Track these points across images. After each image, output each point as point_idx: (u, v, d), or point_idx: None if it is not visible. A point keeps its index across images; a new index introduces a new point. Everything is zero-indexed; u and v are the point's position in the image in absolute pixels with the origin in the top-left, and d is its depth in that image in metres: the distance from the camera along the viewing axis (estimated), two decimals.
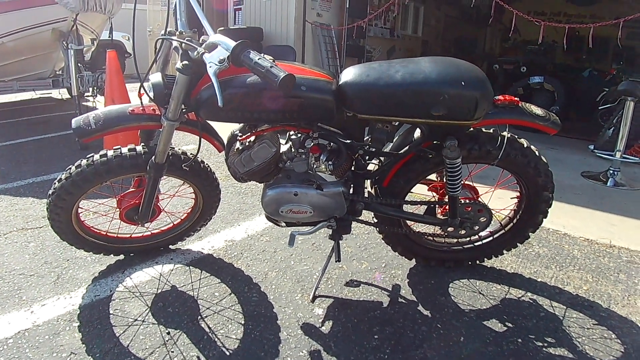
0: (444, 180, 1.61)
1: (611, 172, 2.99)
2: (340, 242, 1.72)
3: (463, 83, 1.28)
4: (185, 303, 1.61)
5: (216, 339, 1.43)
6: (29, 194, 2.56)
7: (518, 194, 1.74)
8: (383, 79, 1.31)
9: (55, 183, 1.53)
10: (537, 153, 1.54)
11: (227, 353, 1.37)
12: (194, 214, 1.92)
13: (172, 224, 1.94)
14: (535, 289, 1.76)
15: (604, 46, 6.30)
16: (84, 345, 1.35)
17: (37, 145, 3.69)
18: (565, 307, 1.64)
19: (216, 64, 1.09)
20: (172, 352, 1.36)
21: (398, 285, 1.78)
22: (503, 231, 1.79)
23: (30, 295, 1.59)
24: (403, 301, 1.68)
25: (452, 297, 1.70)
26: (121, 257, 1.88)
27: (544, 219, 1.72)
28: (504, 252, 1.85)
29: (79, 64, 3.36)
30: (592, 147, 3.67)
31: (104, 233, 1.77)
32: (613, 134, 3.45)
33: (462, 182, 1.52)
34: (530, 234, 1.76)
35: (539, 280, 1.83)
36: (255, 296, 1.68)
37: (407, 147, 1.46)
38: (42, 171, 2.99)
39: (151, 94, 1.34)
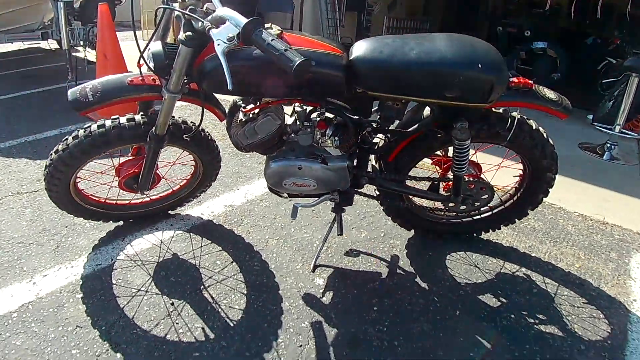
0: (450, 157, 1.59)
1: (608, 145, 2.99)
2: (343, 214, 1.73)
3: (480, 65, 1.23)
4: (187, 272, 1.62)
5: (220, 310, 1.46)
6: (22, 154, 2.47)
7: (521, 172, 1.74)
8: (397, 57, 1.25)
9: (52, 154, 1.47)
10: (544, 135, 1.52)
11: (231, 324, 1.40)
12: (193, 181, 1.89)
13: (171, 190, 1.91)
14: (529, 265, 1.81)
15: (609, 14, 6.10)
16: (88, 317, 1.37)
17: (28, 101, 3.51)
18: (557, 285, 1.69)
19: (225, 42, 0.99)
20: (177, 323, 1.39)
21: (397, 256, 1.81)
22: (503, 207, 1.81)
23: (31, 265, 1.58)
24: (401, 272, 1.72)
25: (449, 270, 1.75)
26: (120, 223, 1.87)
27: (544, 199, 1.74)
28: (502, 227, 1.89)
29: (68, 16, 3.14)
30: (591, 117, 3.65)
31: (103, 200, 1.73)
32: (613, 107, 3.43)
33: (468, 162, 1.51)
34: (529, 211, 1.78)
35: (533, 255, 1.88)
36: (257, 265, 1.70)
37: (416, 126, 1.42)
38: (35, 129, 2.86)
39: (151, 65, 1.26)
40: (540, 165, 1.58)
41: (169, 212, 1.95)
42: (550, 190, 1.70)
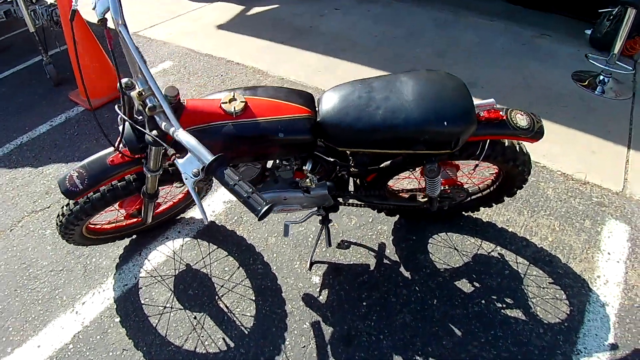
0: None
1: (601, 79, 2.88)
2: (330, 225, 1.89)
3: (446, 123, 1.22)
4: (202, 283, 1.88)
5: (235, 319, 1.75)
6: (23, 162, 2.55)
7: (496, 170, 1.82)
8: (363, 119, 1.25)
9: (59, 216, 1.58)
10: (517, 149, 1.55)
11: (246, 332, 1.70)
12: (188, 197, 2.03)
13: (172, 202, 2.06)
14: (504, 242, 1.99)
15: None
16: (130, 340, 1.67)
17: (6, 85, 3.38)
18: (528, 264, 1.89)
19: (191, 177, 1.01)
20: (202, 336, 1.69)
21: (384, 244, 2.01)
22: (480, 194, 1.93)
23: (69, 293, 1.84)
24: (387, 262, 1.95)
25: (430, 255, 1.96)
26: (134, 236, 2.07)
27: (518, 190, 1.85)
28: (479, 208, 2.03)
29: None
30: (589, 32, 3.40)
31: (114, 226, 1.91)
32: (610, 28, 3.17)
33: (440, 186, 1.59)
34: (505, 198, 1.90)
35: (509, 230, 2.04)
36: (261, 268, 1.94)
37: (388, 163, 1.47)
38: (25, 125, 2.86)
39: (127, 148, 1.29)
40: (514, 171, 1.64)
41: (175, 217, 2.14)
42: (524, 184, 1.80)
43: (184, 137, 1.01)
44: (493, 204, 1.94)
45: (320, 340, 1.67)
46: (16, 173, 2.45)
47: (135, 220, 1.87)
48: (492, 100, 1.46)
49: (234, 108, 1.23)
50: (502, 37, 3.66)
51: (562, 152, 2.48)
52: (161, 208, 2.01)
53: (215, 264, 1.95)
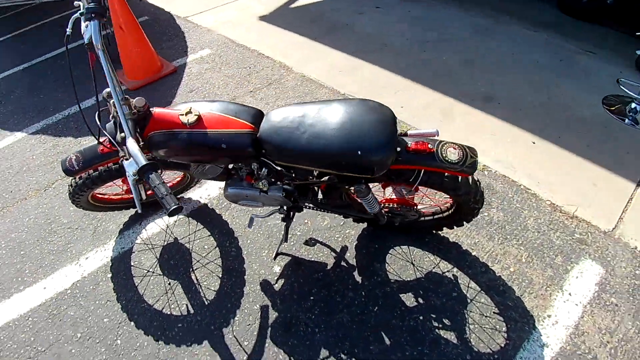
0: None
1: (633, 106, 2.64)
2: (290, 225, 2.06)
3: (359, 152, 1.33)
4: (183, 256, 2.18)
5: (200, 290, 2.03)
6: (66, 131, 3.04)
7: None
8: (291, 141, 1.40)
9: (69, 185, 1.94)
10: (460, 180, 1.58)
11: (206, 303, 1.97)
12: (184, 181, 2.33)
13: (170, 183, 2.37)
14: (463, 265, 2.02)
15: None
16: (115, 293, 2.02)
17: (58, 62, 3.90)
18: (479, 290, 1.91)
19: (132, 176, 1.25)
20: (170, 300, 2.00)
21: (346, 247, 2.15)
22: (441, 215, 1.97)
23: (77, 248, 2.25)
24: (344, 265, 2.09)
25: (386, 265, 2.06)
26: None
27: (466, 222, 1.88)
28: (443, 229, 2.07)
29: None
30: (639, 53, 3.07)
31: (119, 198, 2.27)
32: None
33: (378, 205, 1.69)
34: (467, 222, 1.92)
35: (473, 254, 2.06)
36: (234, 251, 2.19)
37: (326, 178, 1.60)
38: (72, 99, 3.37)
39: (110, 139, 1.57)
40: (459, 200, 1.68)
41: (177, 196, 2.46)
42: (478, 213, 1.82)
43: (130, 144, 1.26)
44: (454, 226, 1.98)
45: (264, 322, 1.89)
46: (59, 141, 2.94)
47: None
48: (434, 130, 1.52)
49: (188, 120, 1.47)
50: (540, 50, 3.45)
51: (559, 181, 2.38)
52: (150, 191, 2.32)
53: (198, 242, 2.24)
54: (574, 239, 2.11)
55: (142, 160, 1.20)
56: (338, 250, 2.14)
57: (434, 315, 1.86)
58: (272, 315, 1.91)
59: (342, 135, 1.37)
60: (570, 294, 1.89)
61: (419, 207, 1.93)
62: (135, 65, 3.40)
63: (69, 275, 2.13)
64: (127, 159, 1.27)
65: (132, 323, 1.92)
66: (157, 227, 2.32)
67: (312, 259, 2.11)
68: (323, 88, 3.24)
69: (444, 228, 2.04)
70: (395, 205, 1.81)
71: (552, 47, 3.48)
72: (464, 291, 1.93)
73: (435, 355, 1.72)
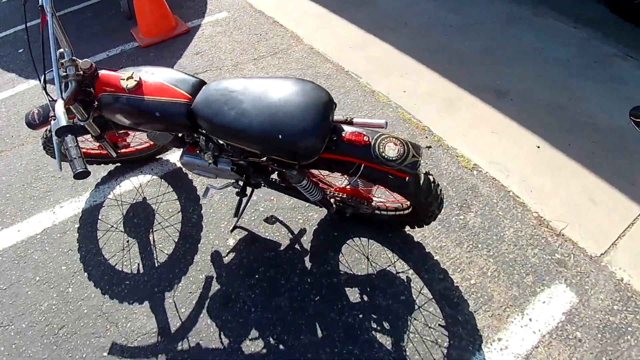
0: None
1: None
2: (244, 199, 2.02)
3: (280, 136, 1.23)
4: (147, 216, 2.21)
5: (154, 252, 2.05)
6: None
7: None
8: (219, 116, 1.33)
9: (42, 137, 2.00)
10: (405, 179, 1.43)
11: (156, 265, 2.00)
12: (157, 145, 2.33)
13: (140, 147, 2.38)
14: (421, 268, 1.88)
15: None
16: (77, 244, 2.09)
17: (86, 15, 3.99)
18: (430, 298, 1.78)
19: (54, 135, 1.26)
20: (125, 257, 2.04)
21: (304, 229, 2.07)
22: (402, 213, 1.84)
23: (56, 197, 2.33)
24: (298, 248, 2.02)
25: (340, 255, 1.97)
26: (119, 164, 2.48)
27: (433, 221, 1.72)
28: (405, 227, 1.94)
29: None
30: None
31: (97, 153, 2.32)
32: None
33: (318, 192, 1.58)
34: (425, 225, 1.78)
35: (435, 258, 1.91)
36: (195, 218, 2.19)
37: (264, 158, 1.51)
38: (89, 52, 3.43)
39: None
40: (414, 201, 1.54)
41: (156, 157, 2.48)
42: (436, 217, 1.67)
43: (57, 105, 1.27)
44: (415, 226, 1.84)
45: (205, 292, 1.89)
46: None
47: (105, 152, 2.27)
48: (382, 121, 1.38)
49: (127, 85, 1.44)
50: (574, 48, 3.05)
51: (555, 192, 2.14)
52: (129, 149, 2.34)
53: (164, 204, 2.26)
54: (553, 259, 1.90)
55: (61, 122, 1.23)
56: (296, 232, 2.07)
57: (374, 316, 1.76)
58: (215, 287, 1.91)
59: (265, 116, 1.27)
60: (530, 319, 1.72)
61: (376, 200, 1.81)
62: (150, 23, 3.42)
63: (42, 221, 2.23)
64: (54, 119, 1.28)
65: (86, 274, 1.99)
66: (130, 185, 2.36)
67: (268, 237, 2.07)
68: (327, 62, 3.10)
69: (407, 226, 1.91)
70: (346, 196, 1.71)
71: (588, 46, 3.06)
72: (414, 296, 1.81)
73: (364, 357, 1.64)
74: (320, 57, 3.16)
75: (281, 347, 1.70)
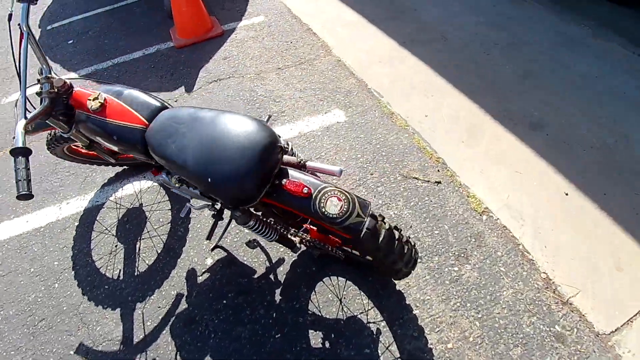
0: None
1: None
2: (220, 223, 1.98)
3: (209, 180, 1.14)
4: (139, 223, 2.25)
5: (137, 261, 2.09)
6: (109, 79, 3.29)
7: None
8: (162, 147, 1.28)
9: (47, 135, 2.12)
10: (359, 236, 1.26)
11: (135, 274, 2.03)
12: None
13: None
14: (395, 322, 1.70)
15: None
16: (72, 242, 2.19)
17: (130, 13, 4.13)
18: (396, 357, 1.60)
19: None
20: (110, 261, 2.10)
21: (283, 260, 1.98)
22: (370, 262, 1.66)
23: (66, 192, 2.46)
24: (272, 278, 1.93)
25: (312, 293, 1.84)
26: (125, 167, 2.56)
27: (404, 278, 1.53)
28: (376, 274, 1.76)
29: None
30: None
31: (92, 154, 2.39)
32: None
33: (272, 232, 1.47)
34: (394, 280, 1.59)
35: (414, 312, 1.72)
36: (181, 232, 2.19)
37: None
38: (128, 49, 3.58)
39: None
40: (374, 259, 1.37)
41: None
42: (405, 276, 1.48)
43: (18, 125, 1.31)
44: (387, 276, 1.66)
45: (172, 309, 1.88)
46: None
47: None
48: (337, 169, 1.23)
49: (92, 106, 1.44)
50: (635, 80, 2.58)
51: (575, 251, 1.81)
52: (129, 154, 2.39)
53: (156, 213, 2.29)
54: (551, 331, 1.62)
55: (18, 144, 1.27)
56: (274, 261, 1.99)
57: None
58: (182, 305, 1.89)
59: (199, 155, 1.20)
60: None
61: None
62: (186, 24, 3.50)
63: (48, 215, 2.37)
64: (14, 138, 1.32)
65: (73, 273, 2.08)
66: (131, 189, 2.43)
67: (246, 262, 2.00)
68: (351, 77, 2.94)
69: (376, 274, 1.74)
70: (313, 238, 1.58)
71: None
72: (379, 352, 1.64)
73: None
74: (345, 70, 3.02)
75: None
